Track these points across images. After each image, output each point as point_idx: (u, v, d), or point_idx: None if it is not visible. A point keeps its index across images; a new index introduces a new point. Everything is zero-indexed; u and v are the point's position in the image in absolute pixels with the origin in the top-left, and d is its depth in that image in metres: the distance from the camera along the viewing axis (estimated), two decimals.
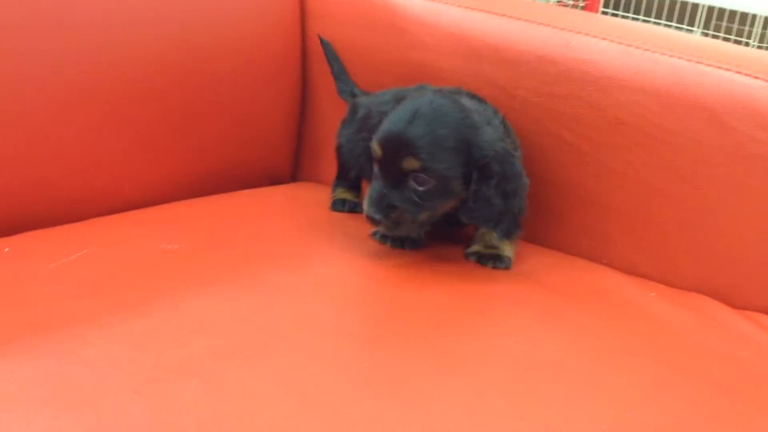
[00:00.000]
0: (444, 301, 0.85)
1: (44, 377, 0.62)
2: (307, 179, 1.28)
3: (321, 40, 1.20)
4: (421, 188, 0.87)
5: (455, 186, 0.89)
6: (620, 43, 1.02)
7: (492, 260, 0.95)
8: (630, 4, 3.28)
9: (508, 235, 0.96)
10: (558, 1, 2.72)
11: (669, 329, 0.87)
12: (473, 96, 0.98)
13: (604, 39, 1.03)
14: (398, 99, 0.96)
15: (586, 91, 1.02)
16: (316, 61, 1.23)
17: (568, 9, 1.38)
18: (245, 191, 1.14)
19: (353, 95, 1.16)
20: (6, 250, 0.84)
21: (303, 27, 1.23)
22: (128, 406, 0.60)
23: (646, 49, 1.01)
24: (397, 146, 0.87)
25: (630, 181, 1.01)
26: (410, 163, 0.87)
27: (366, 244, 0.96)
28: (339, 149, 1.11)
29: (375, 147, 0.89)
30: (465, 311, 0.84)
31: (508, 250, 0.97)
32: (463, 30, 1.11)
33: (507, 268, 0.95)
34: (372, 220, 0.89)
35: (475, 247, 0.97)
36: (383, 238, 0.96)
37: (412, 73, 1.14)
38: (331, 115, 1.22)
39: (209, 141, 1.12)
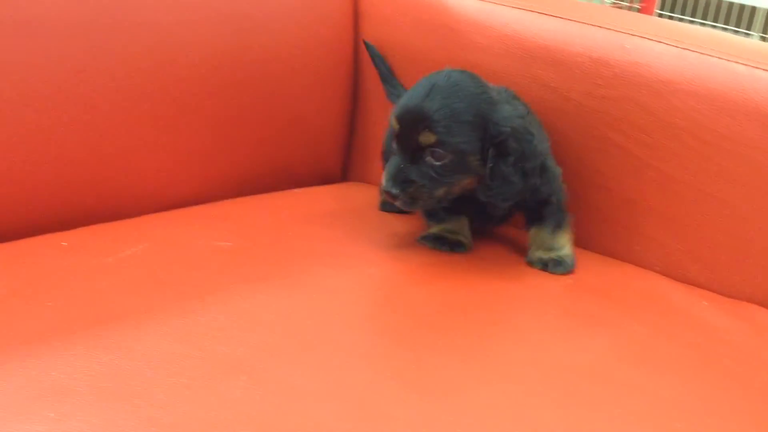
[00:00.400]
0: (491, 304, 0.85)
1: (99, 370, 0.63)
2: (357, 179, 1.29)
3: (366, 45, 1.21)
4: (437, 163, 0.87)
5: (472, 161, 0.88)
6: (676, 47, 1.01)
7: (559, 266, 0.95)
8: (686, 6, 3.23)
9: (558, 226, 0.96)
10: (613, 3, 2.69)
11: (721, 338, 0.86)
12: (512, 94, 0.98)
13: (659, 42, 1.02)
14: None
15: (640, 94, 1.01)
16: (368, 63, 1.24)
17: (623, 11, 1.36)
18: (296, 190, 1.15)
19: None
20: (64, 244, 0.87)
21: (356, 29, 1.24)
22: (179, 399, 0.61)
23: (701, 53, 0.99)
24: (414, 120, 0.87)
25: (684, 186, 0.99)
26: (426, 137, 0.86)
27: (415, 245, 0.96)
28: (384, 153, 1.12)
29: (392, 121, 0.89)
30: (513, 315, 0.84)
31: (564, 245, 0.96)
32: (516, 31, 1.11)
33: (571, 270, 0.95)
34: (389, 195, 0.89)
35: (537, 253, 0.96)
36: (432, 243, 0.96)
37: None
38: (382, 116, 1.22)
39: (262, 141, 1.14)
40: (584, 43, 1.06)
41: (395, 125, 0.89)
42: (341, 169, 1.29)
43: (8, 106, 0.88)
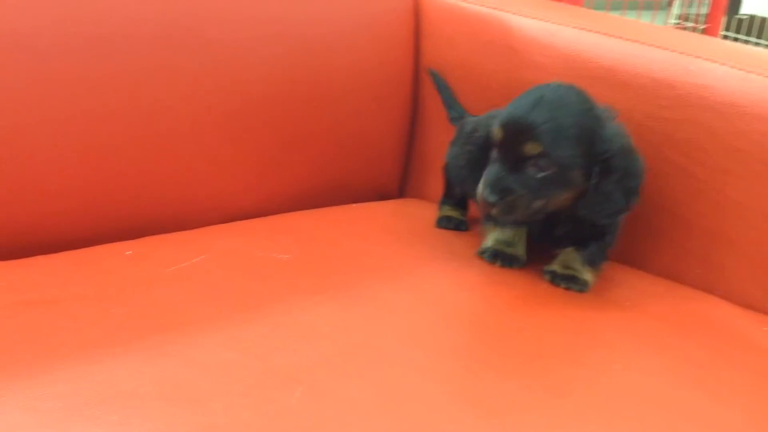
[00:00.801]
0: (549, 323, 0.85)
1: (160, 376, 0.65)
2: (415, 195, 1.30)
3: (430, 72, 1.21)
4: (539, 174, 0.87)
5: (575, 176, 0.88)
6: (741, 69, 0.99)
7: (566, 281, 0.93)
8: (752, 27, 3.18)
9: (591, 263, 0.94)
10: (676, 24, 2.66)
11: None
12: None
13: (723, 64, 1.01)
14: None
15: (703, 117, 0.99)
16: (427, 80, 1.25)
17: (687, 32, 1.34)
18: (353, 205, 1.16)
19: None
20: (128, 252, 0.89)
21: (416, 46, 1.25)
22: (237, 407, 0.62)
23: (767, 76, 0.98)
24: (519, 130, 0.87)
25: (748, 211, 0.97)
26: (532, 148, 0.86)
27: (471, 261, 0.96)
28: (446, 167, 1.12)
29: (496, 130, 0.89)
30: (570, 335, 0.83)
31: (588, 274, 0.94)
32: (578, 51, 1.11)
33: (581, 290, 0.93)
34: (487, 203, 0.88)
35: (552, 266, 0.95)
36: (490, 258, 0.96)
37: None
38: (440, 133, 1.23)
39: (321, 155, 1.15)
40: (647, 65, 1.05)
41: (498, 134, 0.88)
42: (398, 185, 1.30)
43: (78, 121, 0.91)
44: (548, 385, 0.72)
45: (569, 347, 0.81)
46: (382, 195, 1.26)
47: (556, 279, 0.93)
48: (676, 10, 2.66)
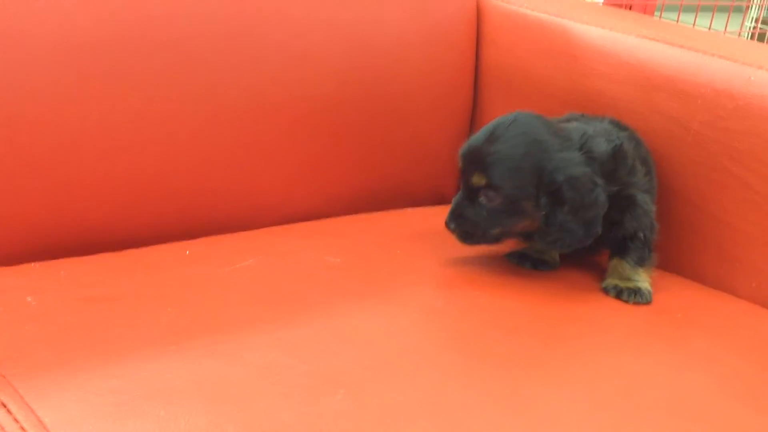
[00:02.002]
0: (594, 333, 0.85)
1: (207, 375, 0.67)
2: None
3: None
4: (489, 204, 0.90)
5: (526, 206, 0.89)
6: None
7: (633, 295, 0.93)
8: None
9: (640, 262, 0.95)
10: (753, 27, 2.59)
11: None
12: (616, 124, 1.00)
13: None
14: None
15: (764, 128, 0.97)
16: (487, 85, 1.25)
17: (751, 42, 1.32)
18: (409, 210, 1.17)
19: None
20: (187, 252, 0.92)
21: (477, 52, 1.26)
22: (279, 408, 0.64)
23: None
24: (470, 161, 0.91)
25: None
26: (478, 179, 0.90)
27: (521, 269, 0.97)
28: None
29: (458, 159, 0.93)
30: (616, 346, 0.83)
31: (644, 279, 0.95)
32: (639, 60, 1.10)
33: (648, 302, 0.93)
34: (447, 227, 0.93)
35: (612, 281, 0.95)
36: (517, 260, 0.98)
37: (583, 101, 1.13)
38: None
39: (378, 159, 1.17)
40: (708, 74, 1.03)
41: (459, 163, 0.93)
42: (456, 190, 1.31)
43: (144, 125, 0.95)
44: (592, 396, 0.73)
45: (614, 358, 0.81)
46: (439, 199, 1.26)
47: (622, 294, 0.93)
48: (752, 13, 2.59)
